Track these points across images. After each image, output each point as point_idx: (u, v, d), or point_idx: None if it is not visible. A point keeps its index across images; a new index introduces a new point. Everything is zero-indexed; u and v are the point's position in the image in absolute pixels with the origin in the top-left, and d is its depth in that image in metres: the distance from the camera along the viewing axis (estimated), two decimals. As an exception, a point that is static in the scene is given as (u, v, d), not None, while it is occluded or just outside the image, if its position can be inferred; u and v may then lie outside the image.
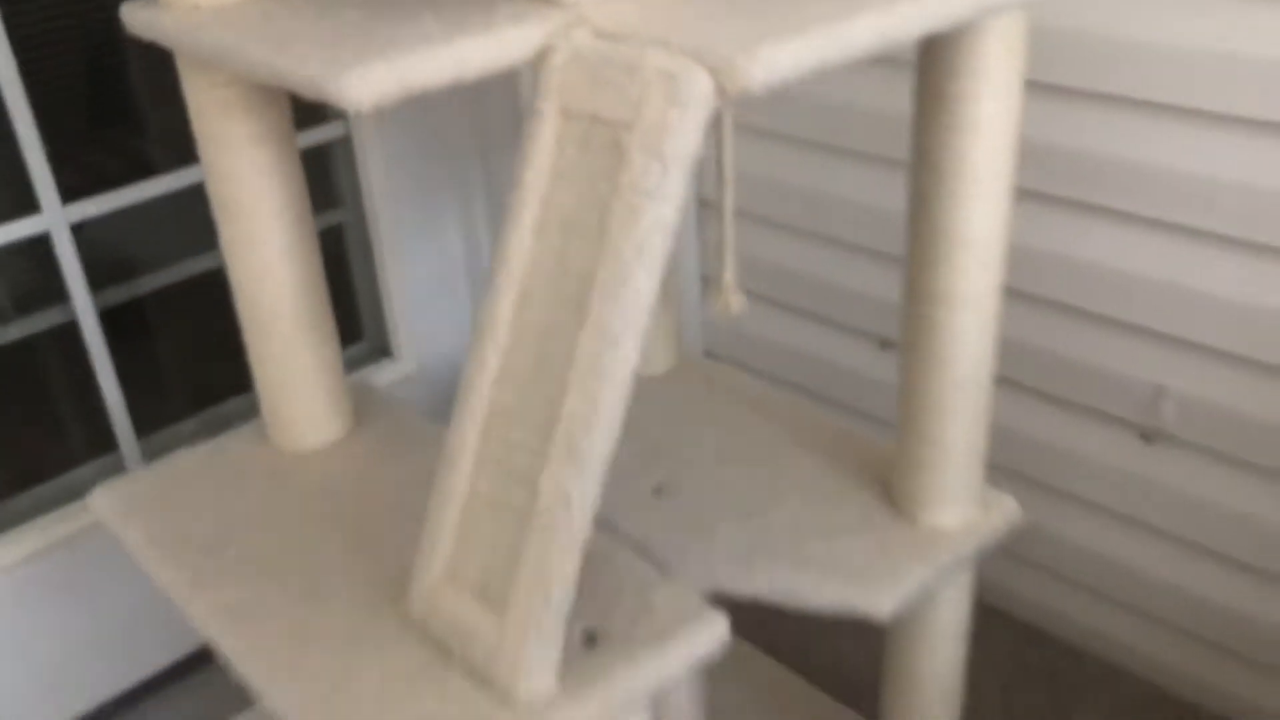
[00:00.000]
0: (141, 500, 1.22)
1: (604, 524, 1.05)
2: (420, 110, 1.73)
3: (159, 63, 1.14)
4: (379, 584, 1.08)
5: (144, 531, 1.17)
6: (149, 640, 1.64)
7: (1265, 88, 1.38)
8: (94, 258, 1.52)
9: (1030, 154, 1.52)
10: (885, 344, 1.79)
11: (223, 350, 1.61)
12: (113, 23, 1.09)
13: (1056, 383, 1.68)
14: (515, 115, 1.76)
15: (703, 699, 1.32)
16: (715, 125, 1.13)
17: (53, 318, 1.55)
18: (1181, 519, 1.63)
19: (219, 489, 1.22)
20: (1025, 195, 1.56)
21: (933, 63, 1.06)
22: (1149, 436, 1.58)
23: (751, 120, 1.83)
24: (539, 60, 0.91)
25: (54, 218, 1.45)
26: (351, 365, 1.81)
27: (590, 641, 0.99)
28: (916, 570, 1.21)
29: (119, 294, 1.61)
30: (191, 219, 1.64)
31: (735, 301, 1.31)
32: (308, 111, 1.57)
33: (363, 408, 1.33)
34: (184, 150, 1.53)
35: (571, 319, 0.89)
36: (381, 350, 1.87)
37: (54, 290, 1.52)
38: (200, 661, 1.69)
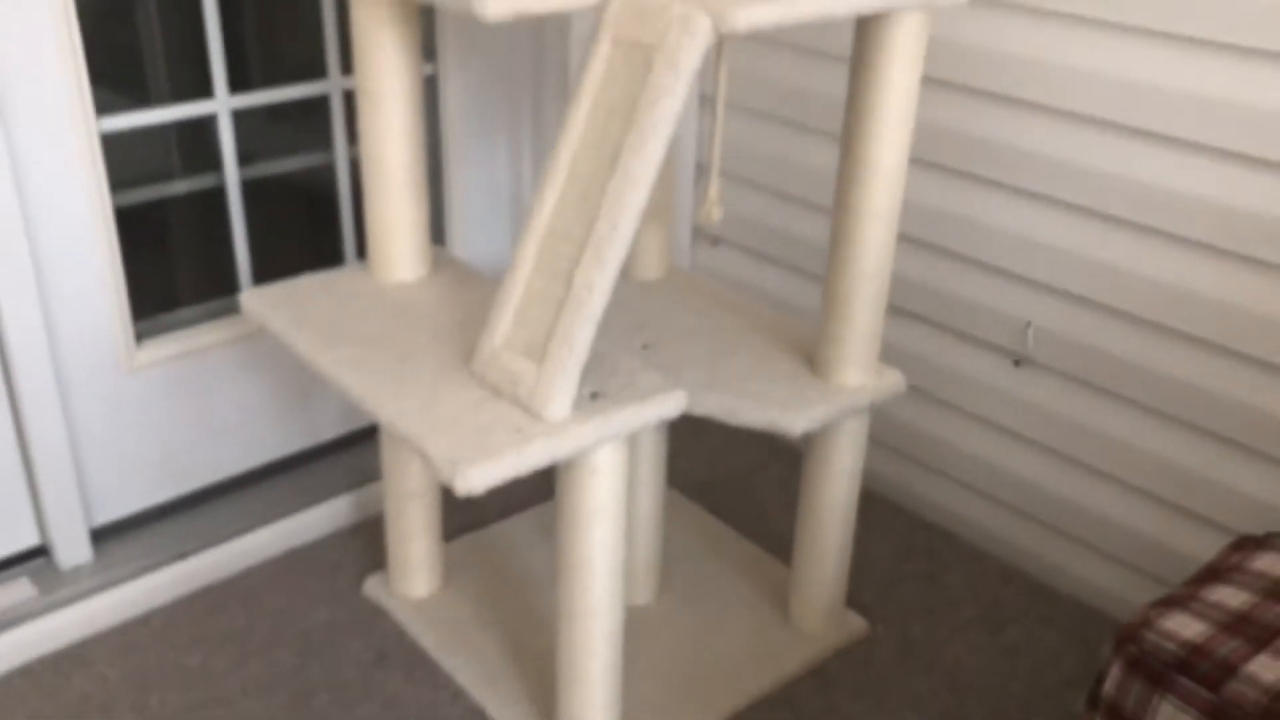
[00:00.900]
0: (278, 300, 1.70)
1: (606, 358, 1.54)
2: (489, 58, 2.21)
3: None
4: (453, 354, 1.54)
5: (283, 316, 1.65)
6: (241, 442, 2.13)
7: (1087, 87, 1.76)
8: (239, 140, 2.01)
9: (928, 132, 2.00)
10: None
11: (315, 232, 2.10)
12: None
13: (945, 315, 2.07)
14: (561, 71, 2.24)
15: (662, 450, 1.80)
16: (716, 57, 1.61)
17: (207, 181, 2.03)
18: (1042, 429, 2.00)
19: (334, 298, 1.69)
20: (924, 164, 2.04)
21: (863, 41, 1.55)
22: (1019, 361, 2.06)
23: (744, 101, 2.32)
24: (601, 4, 1.40)
25: (222, 104, 1.93)
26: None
27: (594, 397, 1.47)
28: (822, 406, 1.68)
29: (250, 172, 2.09)
30: (303, 125, 2.13)
31: (716, 212, 1.79)
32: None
33: (438, 261, 1.82)
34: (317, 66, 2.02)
35: (606, 169, 1.37)
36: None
37: (212, 160, 2.00)
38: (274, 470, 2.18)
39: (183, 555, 1.95)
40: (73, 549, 1.90)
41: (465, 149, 2.23)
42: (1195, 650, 1.28)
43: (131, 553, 1.94)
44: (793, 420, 1.63)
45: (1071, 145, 1.83)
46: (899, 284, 2.14)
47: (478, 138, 2.24)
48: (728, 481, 2.33)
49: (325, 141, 2.12)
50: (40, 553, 1.93)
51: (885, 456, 2.28)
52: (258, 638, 1.89)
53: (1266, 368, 1.71)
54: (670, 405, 1.47)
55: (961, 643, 1.94)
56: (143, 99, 2.13)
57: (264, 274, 2.06)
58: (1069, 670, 1.89)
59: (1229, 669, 1.25)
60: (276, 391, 2.09)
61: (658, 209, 1.91)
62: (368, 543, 2.11)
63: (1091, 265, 1.86)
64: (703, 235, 2.48)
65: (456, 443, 1.35)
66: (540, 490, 2.26)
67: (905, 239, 2.10)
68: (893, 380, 1.74)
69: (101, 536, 1.97)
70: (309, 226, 2.27)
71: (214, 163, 1.98)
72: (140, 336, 1.94)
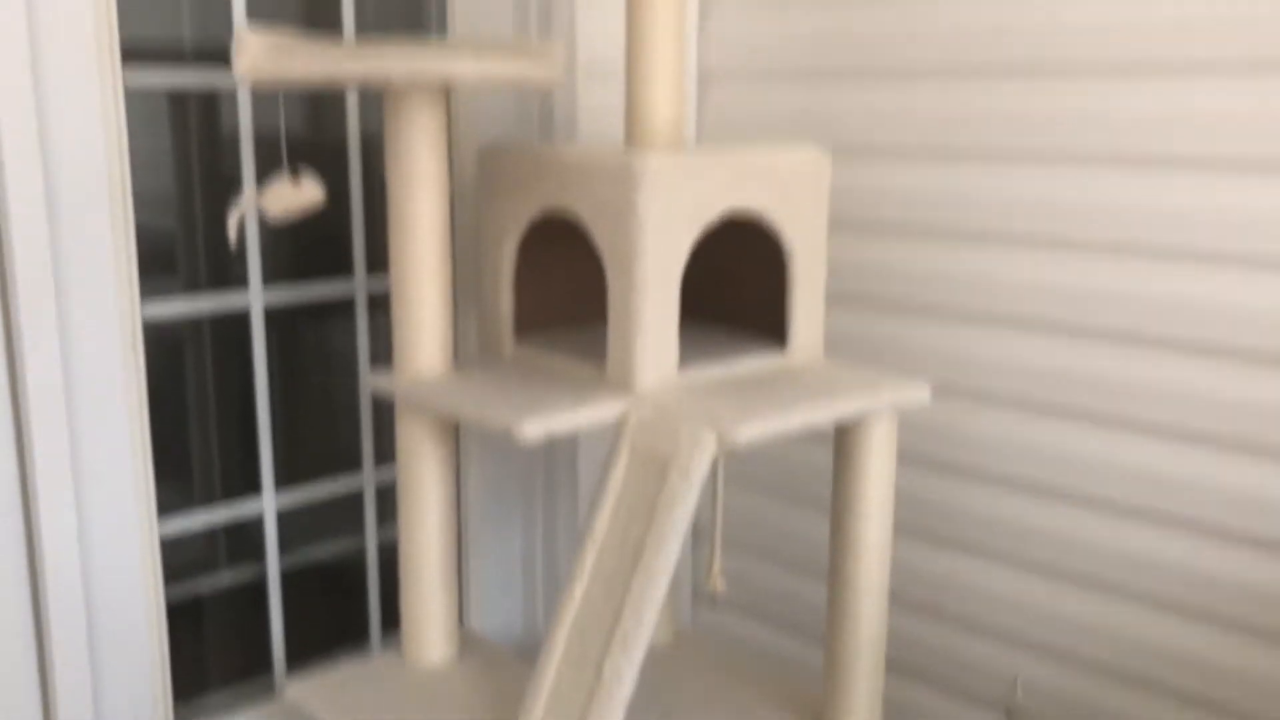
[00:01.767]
0: (321, 692, 1.82)
1: None
2: (507, 457, 2.43)
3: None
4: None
5: (330, 712, 1.77)
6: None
7: (1055, 465, 2.07)
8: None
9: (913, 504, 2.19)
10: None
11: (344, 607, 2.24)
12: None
13: (936, 668, 2.28)
14: (570, 464, 2.45)
15: None
16: (715, 463, 1.82)
17: (246, 574, 2.20)
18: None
19: (372, 686, 1.81)
20: (908, 532, 2.23)
21: (842, 438, 1.76)
22: (1010, 713, 2.16)
23: (739, 473, 2.52)
24: (620, 420, 1.61)
25: (269, 502, 2.12)
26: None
27: (622, 777, 1.57)
28: (835, 771, 1.79)
29: (286, 562, 2.26)
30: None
31: (719, 584, 1.96)
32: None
33: (465, 641, 1.95)
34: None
35: (628, 566, 1.54)
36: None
37: (252, 548, 2.17)
38: None
39: None
40: None
41: (482, 533, 2.41)
42: None
43: None
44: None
45: (1049, 515, 1.99)
46: (889, 639, 2.27)
47: (495, 523, 2.42)
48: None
49: (357, 526, 2.29)
50: None
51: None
52: None
53: None
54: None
55: None
56: (188, 495, 2.31)
57: (295, 650, 2.18)
58: None
59: None
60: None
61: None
62: None
63: (1074, 624, 1.99)
64: (702, 596, 2.62)
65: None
66: None
67: (893, 599, 2.25)
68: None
69: None
70: (339, 601, 2.41)
71: (254, 551, 2.15)
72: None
